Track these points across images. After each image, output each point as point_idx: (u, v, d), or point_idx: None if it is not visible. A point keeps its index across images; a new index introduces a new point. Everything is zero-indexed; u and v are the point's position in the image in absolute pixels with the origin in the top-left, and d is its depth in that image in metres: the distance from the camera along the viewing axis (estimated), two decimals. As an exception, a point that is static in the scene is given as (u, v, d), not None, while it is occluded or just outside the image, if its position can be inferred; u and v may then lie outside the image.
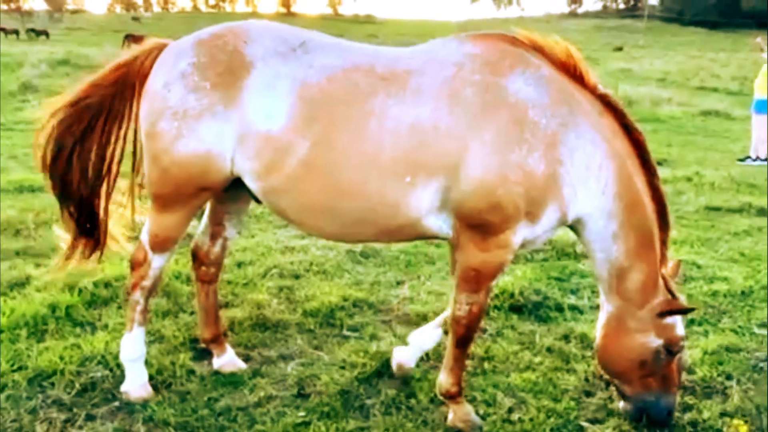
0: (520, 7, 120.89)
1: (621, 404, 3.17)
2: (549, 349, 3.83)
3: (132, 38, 39.11)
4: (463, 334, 2.99)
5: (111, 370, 3.39)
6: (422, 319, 4.19)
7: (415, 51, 2.96)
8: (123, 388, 3.22)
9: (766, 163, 10.84)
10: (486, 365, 3.66)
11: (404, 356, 3.47)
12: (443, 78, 2.73)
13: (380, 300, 4.52)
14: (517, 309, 4.38)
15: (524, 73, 2.73)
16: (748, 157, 11.24)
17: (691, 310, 3.10)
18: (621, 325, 2.99)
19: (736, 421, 3.08)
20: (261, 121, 2.76)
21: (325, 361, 3.65)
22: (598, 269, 3.03)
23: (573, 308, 4.47)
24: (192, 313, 4.10)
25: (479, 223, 2.74)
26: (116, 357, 3.42)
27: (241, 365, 3.50)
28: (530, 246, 3.04)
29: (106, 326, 3.90)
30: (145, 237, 3.15)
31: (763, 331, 4.16)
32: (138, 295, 3.19)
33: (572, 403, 3.31)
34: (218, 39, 2.90)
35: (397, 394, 3.31)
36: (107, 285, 4.43)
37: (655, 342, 2.94)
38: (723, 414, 3.20)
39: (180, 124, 2.82)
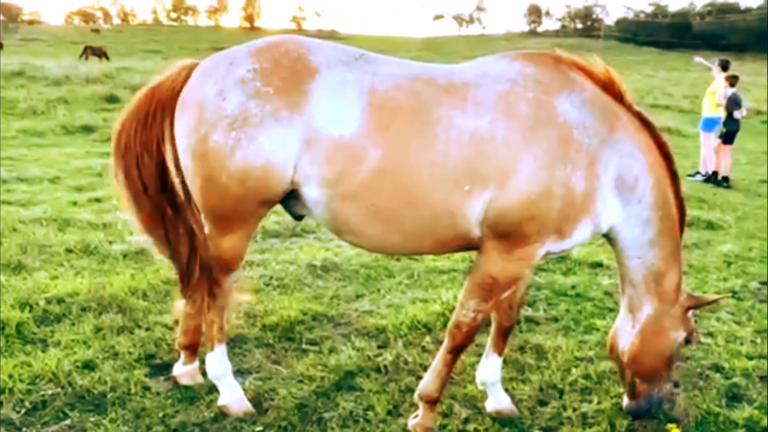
0: (482, 25, 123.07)
1: (625, 403, 3.28)
2: (505, 361, 3.89)
3: (91, 50, 38.49)
4: (461, 341, 3.03)
5: (62, 387, 3.33)
6: (381, 332, 4.22)
7: (467, 66, 3.05)
8: (221, 402, 3.22)
9: (713, 177, 11.26)
10: (443, 377, 3.70)
11: (496, 402, 3.39)
12: (499, 92, 2.81)
13: (340, 313, 4.53)
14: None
15: (570, 95, 2.85)
16: (698, 172, 11.65)
17: (716, 300, 3.32)
18: (659, 325, 3.13)
19: (669, 425, 3.22)
20: (332, 126, 2.71)
21: (283, 375, 3.64)
22: (632, 275, 3.13)
23: (529, 320, 4.55)
24: (148, 329, 4.05)
25: (513, 233, 2.80)
26: (68, 374, 3.36)
27: (200, 379, 3.47)
28: (551, 257, 3.15)
29: (58, 343, 3.81)
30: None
31: (709, 340, 4.32)
32: (213, 315, 3.17)
33: (527, 413, 3.38)
34: (279, 47, 2.87)
35: (354, 407, 3.33)
36: (60, 301, 4.34)
37: (682, 335, 3.15)
38: (669, 420, 3.31)
39: (238, 133, 2.72)
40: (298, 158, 2.75)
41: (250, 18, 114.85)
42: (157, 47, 60.77)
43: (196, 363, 3.51)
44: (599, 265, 5.84)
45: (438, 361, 3.10)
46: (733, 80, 11.50)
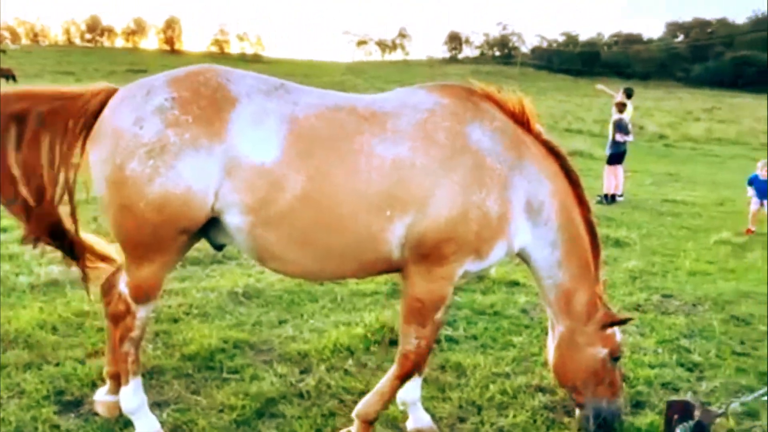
0: (405, 51, 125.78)
1: (577, 413, 3.43)
2: (426, 380, 3.98)
3: (-3, 71, 36.52)
4: (410, 368, 3.11)
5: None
6: (303, 357, 4.22)
7: (386, 96, 3.15)
8: None
9: (622, 199, 11.95)
10: (366, 399, 3.73)
11: (416, 421, 3.41)
12: (417, 121, 2.94)
13: (262, 340, 4.49)
14: (396, 343, 4.49)
15: (482, 124, 3.01)
16: (606, 195, 12.29)
17: (629, 320, 3.47)
18: (572, 342, 3.30)
19: None
20: (253, 154, 2.74)
21: (202, 405, 3.56)
22: (546, 294, 3.33)
23: (449, 339, 4.67)
24: (57, 364, 3.87)
25: (433, 255, 2.90)
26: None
27: (115, 413, 3.34)
28: (471, 276, 3.26)
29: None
30: (124, 289, 2.98)
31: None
32: (127, 347, 3.03)
33: (447, 430, 3.46)
34: (198, 76, 2.87)
35: (276, 434, 3.30)
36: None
37: (602, 352, 3.29)
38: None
39: (156, 161, 2.69)
40: (219, 186, 2.76)
41: (170, 41, 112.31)
42: (69, 68, 58.48)
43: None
44: (516, 283, 6.07)
45: (384, 384, 3.18)
46: (621, 107, 12.39)
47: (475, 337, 4.76)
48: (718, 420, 3.32)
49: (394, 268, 3.04)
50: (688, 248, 8.11)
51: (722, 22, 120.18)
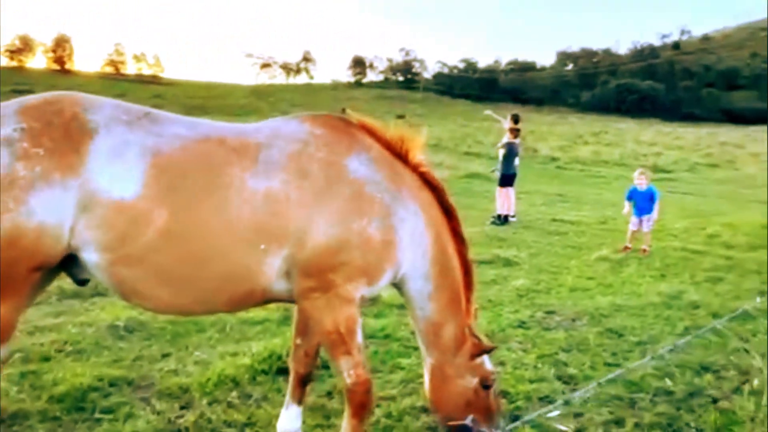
0: (309, 75, 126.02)
1: None
2: (312, 408, 3.95)
3: None
4: (362, 400, 3.05)
5: None
6: (185, 391, 4.07)
7: (259, 126, 3.07)
8: None
9: (515, 219, 12.49)
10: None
11: None
12: (290, 153, 2.90)
13: (141, 376, 4.29)
14: (284, 371, 4.43)
15: (359, 154, 3.02)
16: (500, 215, 12.81)
17: (494, 348, 3.50)
18: (443, 374, 3.33)
19: None
20: (111, 189, 2.59)
21: (69, 450, 3.35)
22: (417, 325, 3.34)
23: (338, 365, 4.65)
24: None
25: (322, 284, 2.88)
26: None
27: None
28: (364, 301, 3.22)
29: None
30: None
31: (500, 369, 4.73)
32: None
33: (330, 458, 3.44)
34: (52, 105, 2.67)
35: (149, 475, 3.15)
36: None
37: (472, 382, 3.32)
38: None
39: (5, 196, 2.47)
40: (75, 222, 2.62)
41: (60, 60, 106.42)
42: (-55, 89, 54.02)
43: None
44: (408, 305, 6.16)
45: (345, 429, 3.13)
46: (516, 132, 13.08)
47: (364, 362, 4.77)
48: None
49: (277, 298, 3.01)
50: (572, 265, 8.58)
51: (607, 52, 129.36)
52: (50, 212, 2.57)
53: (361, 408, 3.09)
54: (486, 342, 3.47)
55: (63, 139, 2.61)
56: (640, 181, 10.12)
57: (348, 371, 3.03)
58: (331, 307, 2.95)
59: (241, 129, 3.04)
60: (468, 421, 3.31)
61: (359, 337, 3.06)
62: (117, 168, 2.64)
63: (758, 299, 6.54)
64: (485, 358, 3.43)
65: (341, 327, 2.97)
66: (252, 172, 2.81)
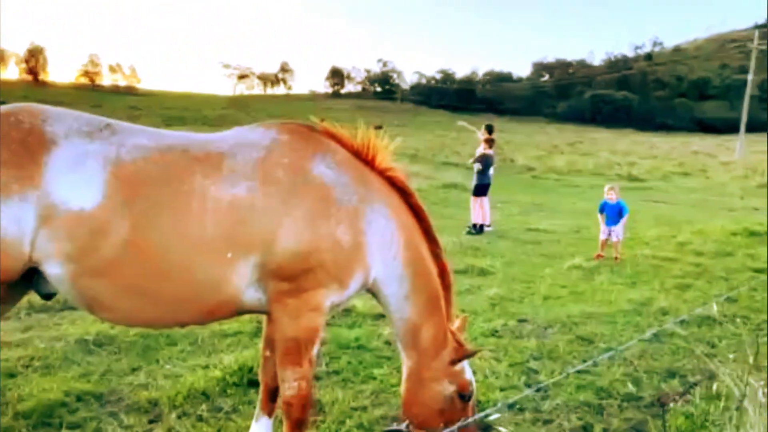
0: (287, 86, 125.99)
1: None
2: (282, 420, 3.92)
3: None
4: (299, 415, 3.02)
5: None
6: (154, 405, 4.03)
7: (223, 135, 3.07)
8: None
9: (490, 228, 12.59)
10: (217, 445, 3.63)
11: None
12: (255, 160, 2.90)
13: (110, 390, 4.24)
14: (255, 384, 4.41)
15: (325, 159, 3.03)
16: (475, 225, 12.90)
17: (474, 353, 3.44)
18: (419, 378, 3.30)
19: None
20: (71, 200, 2.58)
21: (34, 466, 3.30)
22: (395, 328, 3.35)
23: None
24: None
25: (293, 289, 2.87)
26: None
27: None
28: (337, 309, 3.26)
29: None
30: None
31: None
32: None
33: (299, 470, 3.43)
34: (9, 117, 2.66)
35: (115, 491, 3.12)
36: None
37: (449, 389, 3.28)
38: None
39: None
40: (35, 234, 2.59)
41: (33, 70, 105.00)
42: None
43: None
44: (381, 316, 6.15)
45: None
46: (491, 143, 13.23)
47: (337, 372, 4.78)
48: None
49: (249, 309, 2.99)
50: (545, 274, 8.67)
51: (582, 63, 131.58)
52: (9, 225, 2.55)
53: (300, 422, 3.07)
54: (469, 347, 3.44)
55: (21, 151, 2.60)
56: (610, 196, 10.42)
57: (291, 382, 3.00)
58: (297, 314, 2.93)
59: (205, 138, 3.04)
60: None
61: (315, 350, 3.05)
62: (76, 179, 2.62)
63: (714, 305, 6.67)
64: (467, 368, 3.39)
65: (301, 335, 2.96)
66: (215, 180, 2.81)
